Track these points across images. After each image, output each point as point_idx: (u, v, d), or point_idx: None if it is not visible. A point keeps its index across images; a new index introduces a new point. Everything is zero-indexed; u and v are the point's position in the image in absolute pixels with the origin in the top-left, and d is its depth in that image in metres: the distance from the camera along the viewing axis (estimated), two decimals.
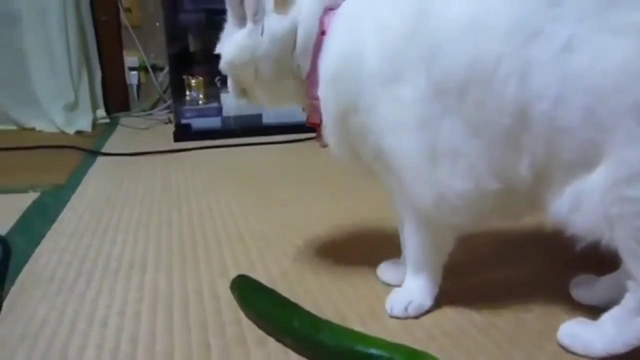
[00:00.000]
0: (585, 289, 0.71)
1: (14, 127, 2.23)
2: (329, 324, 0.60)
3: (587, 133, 0.53)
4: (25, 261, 0.88)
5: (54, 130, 2.15)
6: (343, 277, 0.80)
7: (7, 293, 0.77)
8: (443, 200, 0.60)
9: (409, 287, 0.71)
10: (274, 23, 0.66)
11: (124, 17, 2.42)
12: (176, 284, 0.78)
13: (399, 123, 0.60)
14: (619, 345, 0.57)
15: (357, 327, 0.62)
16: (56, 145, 1.82)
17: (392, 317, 0.68)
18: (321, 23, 0.65)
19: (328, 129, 0.67)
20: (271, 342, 0.63)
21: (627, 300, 0.57)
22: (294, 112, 0.98)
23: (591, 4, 0.52)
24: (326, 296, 0.74)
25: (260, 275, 0.76)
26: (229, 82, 0.75)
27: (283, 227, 0.98)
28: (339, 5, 0.66)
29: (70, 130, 2.10)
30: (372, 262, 0.85)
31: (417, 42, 0.58)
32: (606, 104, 0.51)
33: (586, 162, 0.54)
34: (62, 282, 0.80)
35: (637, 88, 0.50)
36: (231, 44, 0.69)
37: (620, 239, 0.54)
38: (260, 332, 0.65)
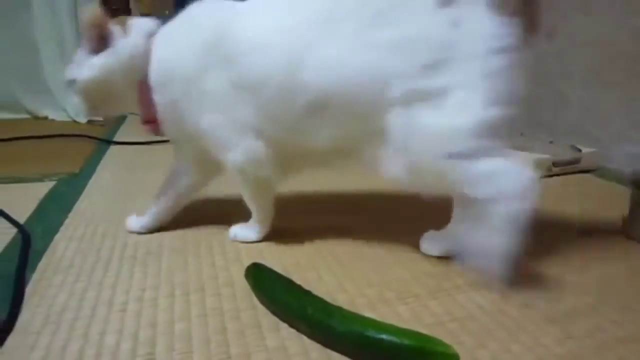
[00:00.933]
0: (430, 243, 0.86)
1: (27, 116, 2.26)
2: (341, 310, 0.62)
3: (359, 119, 0.75)
4: (44, 249, 0.90)
5: (66, 119, 2.17)
6: (353, 264, 0.82)
7: (28, 280, 0.79)
8: (248, 160, 0.83)
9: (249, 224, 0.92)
10: (121, 47, 0.86)
11: (134, 5, 2.43)
12: (191, 270, 0.80)
13: (208, 108, 0.82)
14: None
15: (368, 313, 0.64)
16: (69, 134, 1.85)
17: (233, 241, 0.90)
18: (149, 43, 0.86)
19: (163, 119, 0.87)
20: (285, 327, 0.65)
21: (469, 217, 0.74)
22: None
23: (346, 28, 0.72)
24: (337, 283, 0.76)
25: (272, 263, 0.77)
26: (81, 103, 0.91)
27: (294, 215, 1.00)
28: (159, 30, 0.87)
29: (82, 119, 2.12)
30: (383, 248, 0.87)
31: (216, 54, 0.79)
32: (367, 97, 0.72)
33: (368, 135, 0.76)
34: (81, 269, 0.83)
35: (387, 85, 0.70)
36: (91, 67, 0.86)
37: (438, 185, 0.75)
38: (274, 318, 0.67)
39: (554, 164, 1.24)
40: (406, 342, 0.56)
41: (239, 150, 0.83)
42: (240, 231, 0.92)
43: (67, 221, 1.04)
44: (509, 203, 0.69)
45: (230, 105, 0.80)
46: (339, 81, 0.73)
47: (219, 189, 1.07)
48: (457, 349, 0.56)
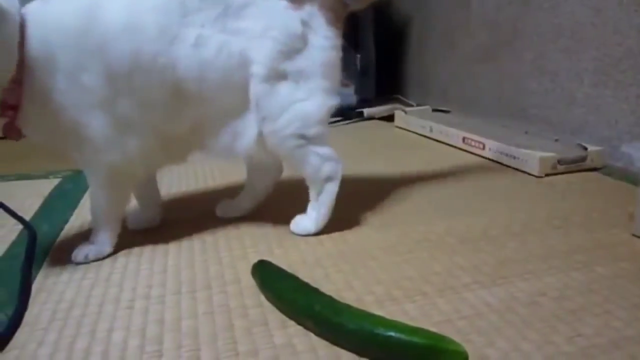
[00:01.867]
0: (224, 209, 1.02)
1: None
2: (349, 307, 0.62)
3: (227, 96, 0.84)
4: (51, 246, 0.91)
5: None
6: (361, 262, 0.81)
7: (35, 277, 0.79)
8: (125, 160, 0.81)
9: (95, 239, 0.87)
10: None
11: None
12: (198, 267, 0.80)
13: (86, 104, 0.77)
14: (319, 220, 0.92)
15: (375, 311, 0.64)
16: None
17: (77, 263, 0.84)
18: (20, 28, 0.74)
19: (27, 115, 0.77)
20: (292, 324, 0.65)
21: (311, 193, 0.93)
22: None
23: (210, 14, 0.81)
24: (344, 281, 0.75)
25: (279, 260, 0.77)
26: None
27: (300, 212, 0.99)
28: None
29: None
30: (390, 248, 0.87)
31: (88, 39, 0.75)
32: (234, 76, 0.83)
33: (235, 112, 0.85)
34: (88, 266, 0.83)
35: (250, 65, 0.83)
36: None
37: (284, 157, 0.93)
38: (282, 316, 0.67)
39: (559, 162, 1.24)
40: (415, 340, 0.55)
41: (118, 150, 0.81)
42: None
43: (72, 218, 1.04)
44: (335, 183, 0.92)
45: (107, 102, 0.77)
46: (209, 58, 0.81)
47: (224, 184, 1.07)
48: (466, 347, 0.56)
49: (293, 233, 0.93)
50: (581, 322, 0.64)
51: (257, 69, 0.84)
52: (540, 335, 0.62)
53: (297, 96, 0.87)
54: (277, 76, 0.85)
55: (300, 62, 0.86)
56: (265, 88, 0.85)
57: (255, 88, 0.84)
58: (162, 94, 0.80)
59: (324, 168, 0.90)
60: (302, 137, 0.87)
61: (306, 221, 0.93)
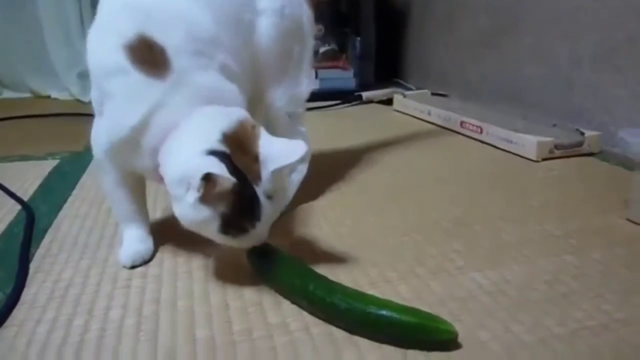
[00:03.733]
0: None
1: (30, 95, 2.26)
2: (342, 287, 0.63)
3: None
4: (49, 226, 0.91)
5: (69, 98, 2.17)
6: (358, 245, 0.82)
7: (32, 256, 0.80)
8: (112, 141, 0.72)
9: (127, 241, 0.80)
10: None
11: None
12: (194, 248, 0.81)
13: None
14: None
15: (370, 292, 0.64)
16: (72, 113, 1.85)
17: (130, 268, 0.76)
18: None
19: None
20: (287, 304, 0.66)
21: None
22: None
23: None
24: (340, 263, 0.76)
25: (275, 243, 0.77)
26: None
27: (297, 196, 1.00)
28: None
29: (85, 99, 2.11)
30: (386, 231, 0.87)
31: None
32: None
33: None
34: (85, 246, 0.83)
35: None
36: None
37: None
38: (276, 296, 0.67)
39: (556, 147, 1.24)
40: (406, 318, 0.56)
41: (101, 131, 0.74)
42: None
43: (71, 199, 1.04)
44: (306, 165, 0.97)
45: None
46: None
47: None
48: (457, 327, 0.57)
49: None
50: (573, 306, 0.65)
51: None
52: (532, 317, 0.63)
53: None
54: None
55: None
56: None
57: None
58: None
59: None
60: (291, 114, 0.95)
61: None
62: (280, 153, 0.64)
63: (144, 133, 0.67)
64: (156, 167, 0.68)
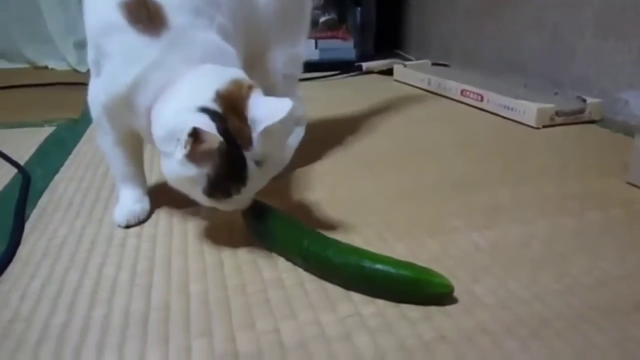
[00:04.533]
0: None
1: (27, 66, 2.24)
2: (337, 242, 0.62)
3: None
4: (44, 188, 0.91)
5: (67, 68, 2.15)
6: (352, 207, 0.82)
7: (28, 217, 0.80)
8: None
9: (122, 200, 0.79)
10: None
11: None
12: (189, 208, 0.80)
13: None
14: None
15: None
16: (69, 82, 1.83)
17: (125, 227, 0.76)
18: None
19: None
20: (282, 261, 0.66)
21: None
22: None
23: None
24: (334, 224, 0.76)
25: (271, 202, 0.77)
26: None
27: (294, 161, 0.99)
28: None
29: (82, 69, 2.10)
30: (381, 193, 0.87)
31: None
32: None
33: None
34: (81, 207, 0.83)
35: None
36: None
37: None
38: (271, 255, 0.67)
39: (557, 114, 1.23)
40: (402, 272, 0.56)
41: (97, 88, 0.73)
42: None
43: (67, 163, 1.04)
44: (303, 128, 0.99)
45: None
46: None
47: None
48: (453, 282, 0.56)
49: None
50: (569, 263, 0.65)
51: None
52: (528, 274, 0.62)
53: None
54: None
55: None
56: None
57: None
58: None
59: (297, 111, 0.95)
60: (288, 75, 0.93)
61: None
62: (267, 112, 0.62)
63: (139, 91, 0.66)
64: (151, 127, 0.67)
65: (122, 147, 0.77)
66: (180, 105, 0.62)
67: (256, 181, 0.64)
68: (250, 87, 0.64)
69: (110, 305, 0.57)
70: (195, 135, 0.57)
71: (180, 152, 0.59)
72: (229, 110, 0.61)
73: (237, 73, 0.66)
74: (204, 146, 0.58)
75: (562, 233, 0.72)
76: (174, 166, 0.62)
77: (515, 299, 0.58)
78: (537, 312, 0.55)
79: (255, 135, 0.61)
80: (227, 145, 0.59)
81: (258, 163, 0.62)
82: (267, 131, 0.61)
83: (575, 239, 0.71)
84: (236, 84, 0.64)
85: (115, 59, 0.68)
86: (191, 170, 0.60)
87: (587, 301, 0.57)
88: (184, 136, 0.58)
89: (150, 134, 0.67)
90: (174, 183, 0.65)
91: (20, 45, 2.22)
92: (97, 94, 0.73)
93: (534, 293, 0.59)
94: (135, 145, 0.78)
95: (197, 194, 0.64)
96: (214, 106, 0.61)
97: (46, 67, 2.20)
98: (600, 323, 0.53)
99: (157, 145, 0.65)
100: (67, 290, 0.60)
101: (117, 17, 0.65)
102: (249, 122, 0.61)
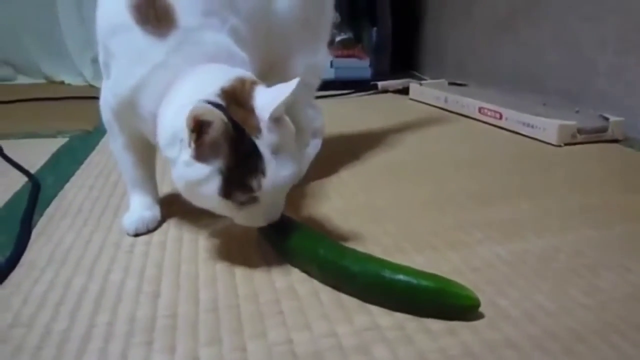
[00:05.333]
0: None
1: (44, 81, 2.25)
2: (354, 251, 0.59)
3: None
4: (54, 196, 0.89)
5: (83, 83, 2.16)
6: (370, 217, 0.79)
7: (36, 222, 0.78)
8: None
9: (133, 207, 0.77)
10: None
11: None
12: (201, 216, 0.77)
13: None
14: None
15: None
16: (84, 96, 1.83)
17: (134, 235, 0.73)
18: None
19: None
20: (295, 271, 0.63)
21: None
22: None
23: None
24: (352, 234, 0.73)
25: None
26: None
27: (310, 173, 0.97)
28: None
29: (98, 84, 2.09)
30: (400, 204, 0.84)
31: None
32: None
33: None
34: (90, 214, 0.81)
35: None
36: None
37: None
38: (285, 263, 0.64)
39: (579, 131, 1.20)
40: (424, 283, 0.53)
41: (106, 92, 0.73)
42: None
43: (78, 172, 1.02)
44: (320, 140, 0.97)
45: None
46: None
47: None
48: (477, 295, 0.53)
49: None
50: (597, 276, 0.61)
51: None
52: (554, 287, 0.59)
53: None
54: None
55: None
56: None
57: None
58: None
59: (315, 122, 0.96)
60: (307, 86, 0.91)
61: None
62: (272, 96, 0.58)
63: (144, 94, 0.64)
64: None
65: (131, 151, 0.75)
66: (182, 103, 0.58)
67: (275, 175, 0.57)
68: (254, 82, 0.61)
69: (115, 312, 0.55)
70: (198, 127, 0.54)
71: (185, 153, 0.56)
72: (234, 104, 0.58)
73: (241, 72, 0.63)
74: (210, 137, 0.55)
75: (587, 246, 0.69)
76: (182, 171, 0.58)
77: (543, 312, 0.54)
78: (568, 326, 0.52)
79: (263, 122, 0.57)
80: (235, 131, 0.54)
81: (275, 153, 0.57)
82: (275, 117, 0.58)
83: (600, 251, 0.68)
84: (240, 80, 0.61)
85: (121, 61, 0.66)
86: (201, 170, 0.56)
87: (619, 315, 0.53)
88: (185, 131, 0.55)
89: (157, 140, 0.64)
90: (187, 192, 0.60)
91: (38, 60, 2.23)
92: (107, 97, 0.71)
93: (563, 306, 0.55)
94: (145, 150, 0.76)
95: (215, 201, 0.58)
96: (217, 100, 0.57)
97: (62, 83, 2.21)
98: (636, 338, 0.50)
99: (163, 153, 0.62)
100: (71, 296, 0.58)
101: (125, 18, 0.64)
102: (256, 112, 0.58)
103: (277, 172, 0.58)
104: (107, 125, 0.75)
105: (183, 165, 0.57)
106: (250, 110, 0.58)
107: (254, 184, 0.57)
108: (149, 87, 0.63)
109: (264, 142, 0.57)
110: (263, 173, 0.57)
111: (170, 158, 0.60)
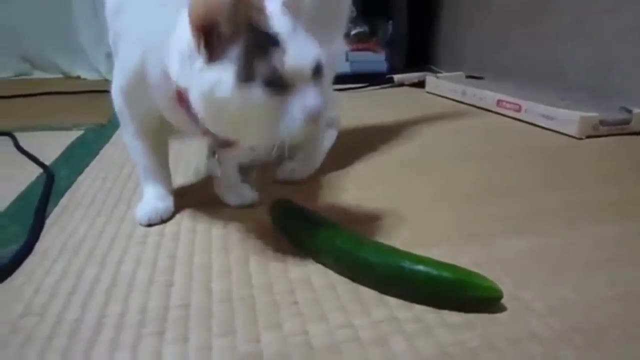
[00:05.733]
0: (230, 195, 0.79)
1: (60, 76, 2.26)
2: (372, 242, 0.58)
3: None
4: (68, 187, 0.88)
5: (98, 78, 2.17)
6: (387, 208, 0.77)
7: (49, 213, 0.77)
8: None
9: (146, 197, 0.75)
10: None
11: None
12: (214, 207, 0.77)
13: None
14: (316, 164, 0.91)
15: None
16: (99, 90, 1.83)
17: (147, 226, 0.72)
18: None
19: None
20: (310, 262, 0.61)
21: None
22: None
23: None
24: (369, 225, 0.71)
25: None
26: None
27: (326, 165, 0.95)
28: None
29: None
30: (417, 197, 0.82)
31: None
32: None
33: None
34: (103, 205, 0.80)
35: None
36: None
37: None
38: (300, 254, 0.63)
39: (601, 123, 1.17)
40: (445, 274, 0.51)
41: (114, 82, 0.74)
42: None
43: (92, 164, 1.02)
44: (336, 131, 0.97)
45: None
46: None
47: None
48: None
49: (280, 180, 0.88)
50: (619, 269, 0.60)
51: None
52: (577, 280, 0.57)
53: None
54: None
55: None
56: None
57: None
58: None
59: (331, 112, 0.94)
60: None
61: (299, 165, 0.89)
62: None
63: (150, 60, 0.62)
64: (173, 91, 0.60)
65: (143, 139, 0.74)
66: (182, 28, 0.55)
67: (298, 50, 0.53)
68: None
69: (127, 303, 0.54)
70: (201, 27, 0.51)
71: (198, 64, 0.53)
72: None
73: None
74: (217, 32, 0.51)
75: (608, 239, 0.67)
76: (200, 86, 0.53)
77: (567, 305, 0.52)
78: (592, 319, 0.50)
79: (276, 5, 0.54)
80: (245, 11, 0.51)
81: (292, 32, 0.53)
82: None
83: (621, 245, 0.65)
84: None
85: (127, 36, 0.66)
86: (219, 71, 0.52)
87: None
88: (191, 41, 0.52)
89: (173, 102, 0.61)
90: (211, 110, 0.54)
91: (55, 56, 2.25)
92: (117, 81, 0.71)
93: (586, 299, 0.53)
94: (157, 138, 0.75)
95: (239, 98, 0.52)
96: None
97: (78, 77, 2.22)
98: None
99: (179, 83, 0.57)
100: (83, 286, 0.57)
101: None
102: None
103: (299, 49, 0.53)
104: (119, 114, 0.74)
105: (199, 79, 0.53)
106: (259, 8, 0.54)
107: (275, 59, 0.52)
108: (155, 53, 0.61)
109: (279, 23, 0.53)
110: (283, 47, 0.52)
111: (187, 85, 0.56)
